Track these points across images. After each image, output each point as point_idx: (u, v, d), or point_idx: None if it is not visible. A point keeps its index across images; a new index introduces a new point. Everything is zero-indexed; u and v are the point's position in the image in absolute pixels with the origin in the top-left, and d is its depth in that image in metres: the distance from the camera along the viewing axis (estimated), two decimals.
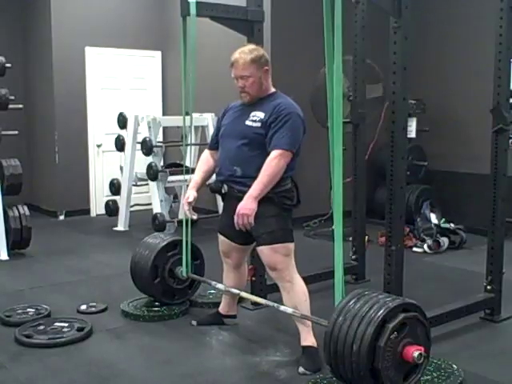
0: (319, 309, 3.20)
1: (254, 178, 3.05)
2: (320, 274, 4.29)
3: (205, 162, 3.45)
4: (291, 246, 3.17)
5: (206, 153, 3.48)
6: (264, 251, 3.17)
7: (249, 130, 3.13)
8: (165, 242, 3.88)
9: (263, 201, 3.06)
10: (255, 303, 4.03)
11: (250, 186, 3.06)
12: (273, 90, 3.24)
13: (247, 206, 3.02)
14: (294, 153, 3.07)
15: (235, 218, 3.06)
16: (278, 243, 3.11)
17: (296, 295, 3.14)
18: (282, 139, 3.03)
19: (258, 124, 3.11)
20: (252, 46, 3.27)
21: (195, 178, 3.44)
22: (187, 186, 3.57)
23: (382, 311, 2.44)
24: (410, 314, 2.52)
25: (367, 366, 2.42)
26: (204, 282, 3.88)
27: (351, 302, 2.56)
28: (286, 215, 3.17)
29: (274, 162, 3.02)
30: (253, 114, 3.15)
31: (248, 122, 3.15)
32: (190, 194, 3.38)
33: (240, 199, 3.09)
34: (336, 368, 2.56)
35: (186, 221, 3.68)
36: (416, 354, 2.46)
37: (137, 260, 3.93)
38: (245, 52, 3.18)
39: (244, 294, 3.51)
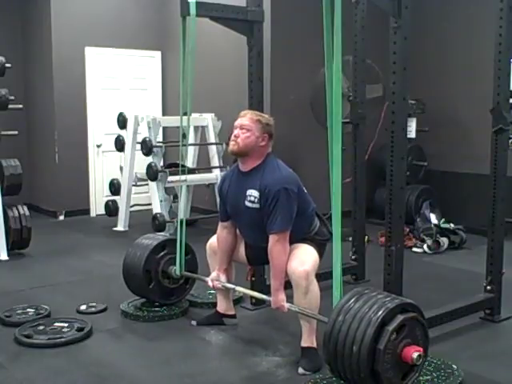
0: (319, 308, 3.19)
1: None
2: (320, 274, 4.27)
3: (222, 241, 3.48)
4: (317, 257, 3.22)
5: (221, 229, 3.49)
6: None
7: (253, 214, 3.20)
8: (152, 247, 3.84)
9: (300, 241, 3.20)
10: (255, 303, 4.04)
11: None
12: (263, 158, 3.23)
13: (277, 299, 3.17)
14: (288, 230, 3.12)
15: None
16: (307, 244, 3.22)
17: (308, 300, 3.11)
18: (274, 223, 3.10)
19: (257, 205, 3.17)
20: (266, 115, 3.36)
21: (220, 260, 3.50)
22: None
23: (380, 312, 2.45)
24: (408, 315, 2.51)
25: (367, 368, 2.42)
26: (198, 278, 3.88)
27: (351, 302, 2.56)
28: (321, 248, 3.30)
29: (274, 250, 3.12)
30: (248, 192, 3.19)
31: (248, 204, 3.20)
32: (221, 278, 3.49)
33: None
34: (335, 367, 2.57)
35: (181, 220, 3.71)
36: (415, 355, 2.46)
37: (127, 269, 3.90)
38: (256, 113, 3.31)
39: (240, 289, 3.52)
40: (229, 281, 3.59)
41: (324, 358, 2.61)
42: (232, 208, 3.36)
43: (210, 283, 3.53)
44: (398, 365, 2.48)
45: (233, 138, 3.22)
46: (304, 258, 3.13)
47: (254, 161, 3.22)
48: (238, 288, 3.50)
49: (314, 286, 3.13)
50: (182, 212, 3.71)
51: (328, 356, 2.56)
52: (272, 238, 3.12)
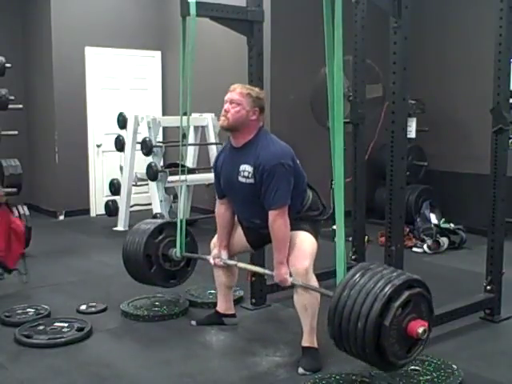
0: (319, 308, 3.19)
1: None
2: (320, 274, 4.27)
3: (221, 216, 3.47)
4: (315, 244, 3.20)
5: (219, 205, 3.49)
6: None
7: (247, 189, 3.17)
8: (150, 231, 3.80)
9: (294, 223, 3.17)
10: (255, 303, 4.04)
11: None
12: (255, 132, 3.19)
13: (281, 273, 3.14)
14: (287, 204, 3.10)
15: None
16: (302, 230, 3.19)
17: (308, 297, 3.13)
18: (273, 199, 3.08)
19: (251, 180, 3.13)
20: (256, 88, 3.32)
21: (220, 237, 3.48)
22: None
23: (387, 289, 2.41)
24: (414, 290, 2.49)
25: (372, 344, 2.40)
26: (199, 258, 3.84)
27: (356, 276, 2.52)
28: (314, 223, 3.29)
29: (275, 225, 3.10)
30: (242, 167, 3.16)
31: (241, 179, 3.17)
32: (223, 255, 3.46)
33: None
34: (340, 342, 2.54)
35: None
36: (420, 329, 2.45)
37: (128, 256, 3.86)
38: (246, 86, 3.26)
39: (241, 265, 3.48)
40: (232, 283, 3.61)
41: (329, 333, 2.57)
42: (225, 184, 3.32)
43: (212, 261, 3.50)
44: (403, 339, 2.46)
45: (223, 112, 3.17)
46: (302, 253, 3.12)
47: (245, 136, 3.18)
48: (240, 264, 3.45)
49: (314, 282, 3.15)
50: (183, 195, 3.69)
51: (333, 331, 2.53)
52: (272, 214, 3.09)
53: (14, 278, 4.70)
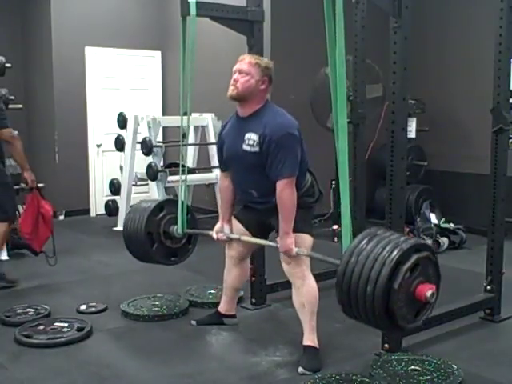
0: (320, 308, 3.20)
1: (272, 194, 3.09)
2: (320, 274, 4.28)
3: (224, 190, 3.45)
4: (309, 239, 3.19)
5: (222, 178, 3.48)
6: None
7: (250, 157, 3.12)
8: (151, 209, 3.77)
9: None
10: (255, 303, 4.04)
11: (269, 202, 3.13)
12: (263, 103, 3.19)
13: (286, 243, 3.08)
14: (295, 175, 3.07)
15: (281, 254, 3.14)
16: (297, 232, 3.12)
17: (305, 293, 3.15)
18: (282, 169, 3.04)
19: (256, 149, 3.09)
20: (265, 59, 3.30)
21: (223, 211, 3.45)
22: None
23: (395, 253, 2.40)
24: (422, 254, 2.48)
25: (382, 307, 2.38)
26: (201, 234, 3.80)
27: (363, 242, 2.50)
28: (308, 210, 3.24)
29: (283, 194, 3.05)
30: (247, 136, 3.12)
31: (245, 147, 3.13)
32: (225, 229, 3.42)
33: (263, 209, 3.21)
34: (348, 307, 2.51)
35: (183, 179, 3.66)
36: (429, 293, 2.44)
37: (129, 234, 3.81)
38: (254, 56, 3.25)
39: (245, 238, 3.37)
40: (241, 284, 3.61)
41: (337, 299, 2.53)
42: (228, 153, 3.28)
43: (215, 235, 3.45)
44: (411, 302, 2.45)
45: (232, 82, 3.15)
46: (298, 256, 3.12)
47: (253, 105, 3.16)
48: (244, 237, 3.35)
49: (311, 281, 3.17)
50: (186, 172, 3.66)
51: (341, 296, 2.50)
52: (280, 184, 3.04)
53: (20, 276, 4.70)
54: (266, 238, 3.36)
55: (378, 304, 2.38)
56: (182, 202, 3.72)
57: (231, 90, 3.16)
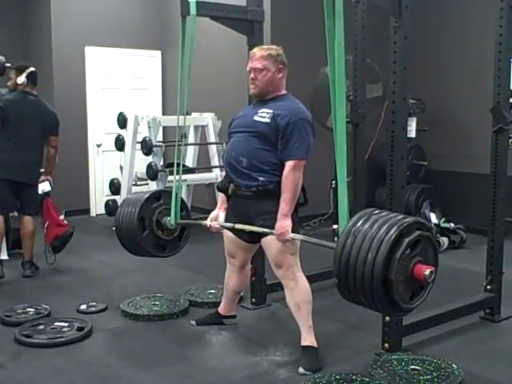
0: (320, 308, 3.20)
1: (260, 170, 3.09)
2: (320, 274, 4.29)
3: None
4: (297, 242, 3.16)
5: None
6: (271, 244, 3.14)
7: (258, 124, 3.14)
8: (147, 195, 3.76)
9: (271, 198, 3.09)
10: (255, 303, 4.04)
11: (255, 180, 3.11)
12: (284, 91, 3.25)
13: (283, 224, 3.05)
14: (306, 160, 3.08)
15: (276, 236, 3.07)
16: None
17: (299, 294, 3.15)
18: (295, 150, 3.05)
19: (267, 120, 3.11)
20: (273, 46, 3.33)
21: (221, 199, 3.43)
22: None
23: (399, 224, 2.41)
24: (424, 233, 2.49)
25: (381, 276, 2.36)
26: (195, 224, 3.79)
27: (371, 211, 2.50)
28: (295, 211, 3.19)
29: (291, 175, 3.04)
30: (261, 110, 3.17)
31: (256, 118, 3.16)
32: (220, 217, 3.39)
33: (246, 198, 3.15)
34: (345, 280, 2.45)
35: (177, 170, 3.64)
36: (427, 271, 2.44)
37: (121, 218, 3.75)
38: (263, 48, 3.27)
39: (239, 226, 3.27)
40: (242, 288, 3.60)
41: (333, 272, 2.50)
42: (237, 124, 3.29)
43: (209, 223, 3.42)
44: (409, 281, 2.45)
45: (251, 81, 3.19)
46: (277, 255, 3.13)
47: (274, 92, 3.21)
48: (238, 225, 3.28)
49: (303, 281, 3.17)
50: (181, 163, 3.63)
51: (338, 269, 2.46)
52: (290, 165, 3.04)
53: (14, 278, 4.70)
54: (257, 241, 3.29)
55: (378, 273, 2.35)
56: (176, 194, 3.67)
57: (252, 89, 3.21)
